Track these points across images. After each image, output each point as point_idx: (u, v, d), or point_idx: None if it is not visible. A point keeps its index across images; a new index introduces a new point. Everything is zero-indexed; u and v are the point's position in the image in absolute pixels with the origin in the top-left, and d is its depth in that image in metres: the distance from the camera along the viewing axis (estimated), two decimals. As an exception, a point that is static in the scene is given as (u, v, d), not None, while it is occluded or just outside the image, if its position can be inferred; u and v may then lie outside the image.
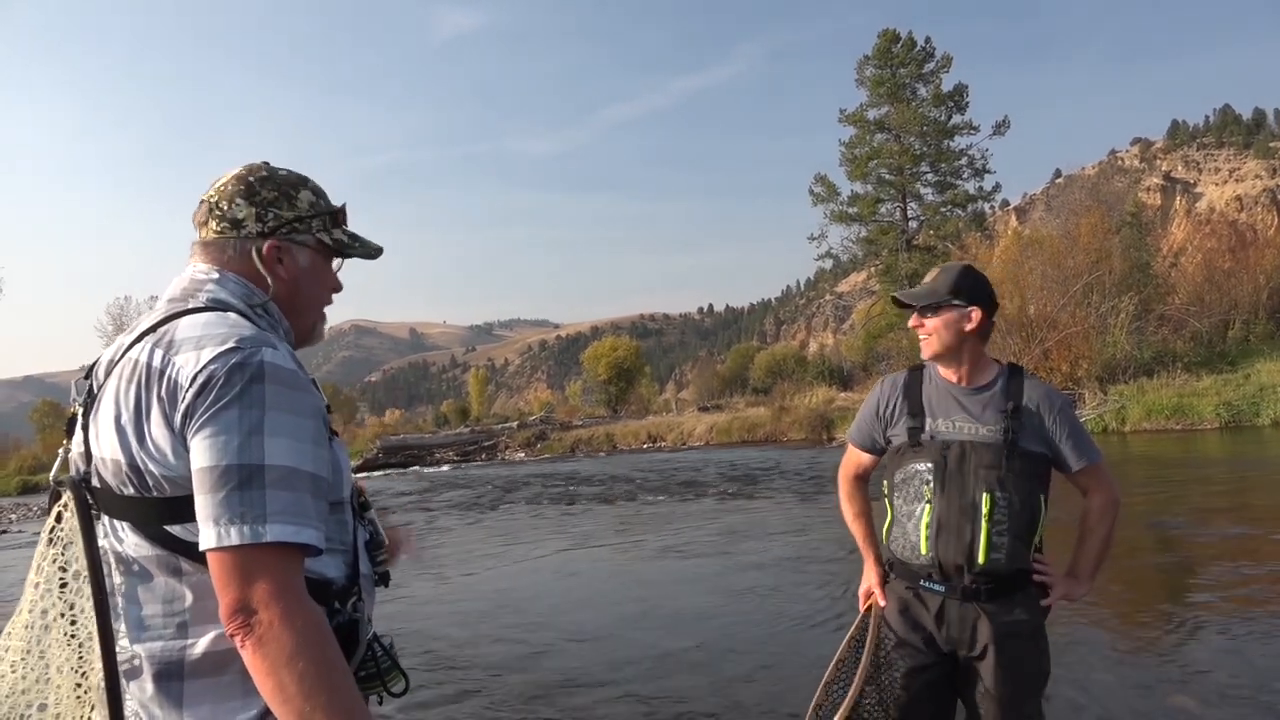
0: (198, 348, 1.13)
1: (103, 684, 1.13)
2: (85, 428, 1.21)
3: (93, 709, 1.15)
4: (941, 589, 2.14)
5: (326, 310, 1.44)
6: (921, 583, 2.18)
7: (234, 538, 1.05)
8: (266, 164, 1.34)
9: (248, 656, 1.05)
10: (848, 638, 2.31)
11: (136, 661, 1.16)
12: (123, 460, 1.15)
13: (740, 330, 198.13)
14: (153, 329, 1.20)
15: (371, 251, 1.43)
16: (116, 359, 1.21)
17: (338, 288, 1.43)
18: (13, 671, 1.17)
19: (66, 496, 1.19)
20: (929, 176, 33.38)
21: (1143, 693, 3.83)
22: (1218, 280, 22.23)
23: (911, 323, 2.25)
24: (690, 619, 5.63)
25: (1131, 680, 3.99)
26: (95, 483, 1.18)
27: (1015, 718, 2.11)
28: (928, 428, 2.18)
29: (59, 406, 54.71)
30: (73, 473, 1.21)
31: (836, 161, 34.15)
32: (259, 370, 1.11)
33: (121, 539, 1.17)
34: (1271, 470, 10.94)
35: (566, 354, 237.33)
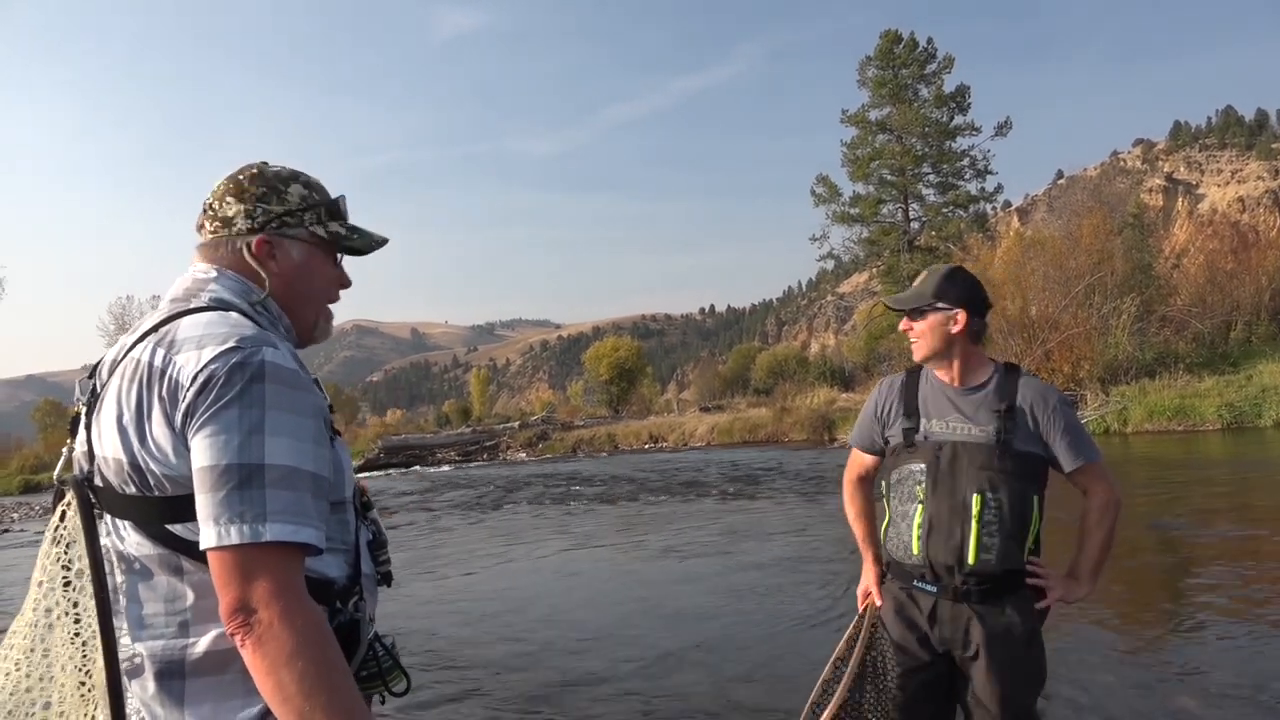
0: (199, 347, 1.13)
1: (104, 682, 1.13)
2: (88, 427, 1.22)
3: (96, 707, 1.16)
4: (933, 589, 2.15)
5: (332, 307, 1.42)
6: (915, 583, 2.19)
7: (234, 537, 1.05)
8: (263, 163, 1.34)
9: (248, 656, 1.05)
10: (845, 637, 2.32)
11: (138, 660, 1.17)
12: (124, 459, 1.15)
13: (742, 331, 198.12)
14: (155, 329, 1.21)
15: (372, 243, 1.40)
16: (119, 359, 1.22)
17: (344, 283, 1.41)
18: (16, 669, 1.18)
19: (70, 495, 1.20)
20: (931, 177, 33.41)
21: (1144, 693, 3.83)
22: (1220, 281, 22.19)
23: (901, 326, 2.28)
24: (691, 619, 5.63)
25: (1132, 680, 3.99)
26: (98, 482, 1.19)
27: (1015, 717, 2.12)
28: (922, 428, 2.19)
29: (60, 406, 54.79)
30: (76, 472, 1.22)
31: (837, 162, 34.28)
32: (259, 369, 1.11)
33: (123, 538, 1.18)
34: (1273, 471, 10.93)
35: (568, 354, 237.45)
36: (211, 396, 1.10)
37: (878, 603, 2.31)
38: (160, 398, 1.13)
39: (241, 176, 1.31)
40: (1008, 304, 19.48)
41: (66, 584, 1.18)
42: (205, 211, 1.32)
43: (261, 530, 1.05)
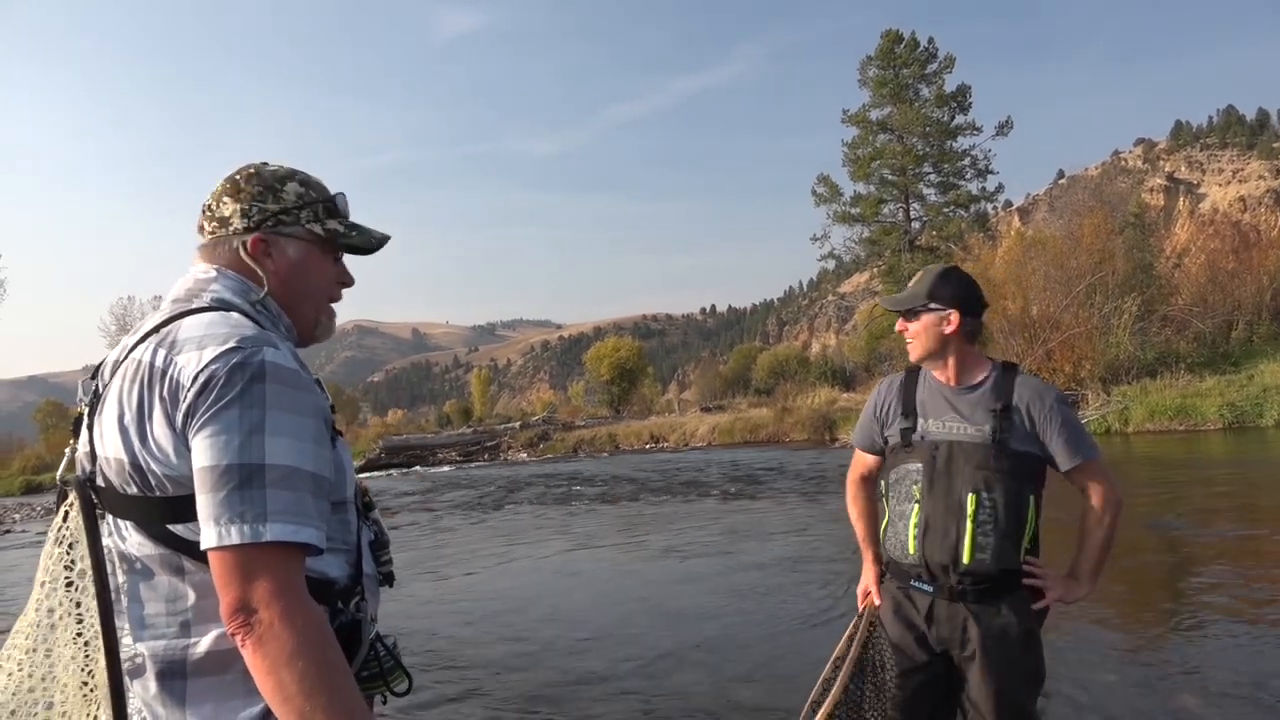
0: (199, 347, 1.14)
1: (106, 682, 1.13)
2: (90, 427, 1.22)
3: (99, 707, 1.16)
4: (930, 589, 2.16)
5: (334, 306, 1.41)
6: (912, 582, 2.20)
7: (234, 537, 1.05)
8: (261, 163, 1.34)
9: (248, 655, 1.05)
10: (845, 636, 2.33)
11: (139, 660, 1.17)
12: (126, 460, 1.15)
13: (743, 331, 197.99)
14: (156, 329, 1.21)
15: (372, 240, 1.38)
16: (121, 359, 1.22)
17: (345, 281, 1.41)
18: (19, 669, 1.18)
19: (73, 496, 1.20)
20: (932, 177, 33.40)
21: (1144, 691, 3.83)
22: (1221, 281, 22.14)
23: (897, 327, 2.29)
24: (692, 618, 5.63)
25: (1133, 679, 3.99)
26: (100, 482, 1.19)
27: (1011, 717, 2.12)
28: (919, 428, 2.20)
29: (62, 406, 54.81)
30: (78, 472, 1.22)
31: (838, 162, 34.30)
32: (260, 370, 1.12)
33: (125, 538, 1.18)
34: (1275, 471, 10.92)
35: (569, 354, 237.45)
36: (212, 397, 1.10)
37: (876, 602, 2.32)
38: (161, 398, 1.13)
39: (238, 176, 1.32)
40: (1009, 304, 19.46)
41: (69, 584, 1.18)
42: (204, 212, 1.33)
43: (262, 530, 1.06)
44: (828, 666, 2.28)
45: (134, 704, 1.18)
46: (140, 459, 1.14)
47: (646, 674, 4.55)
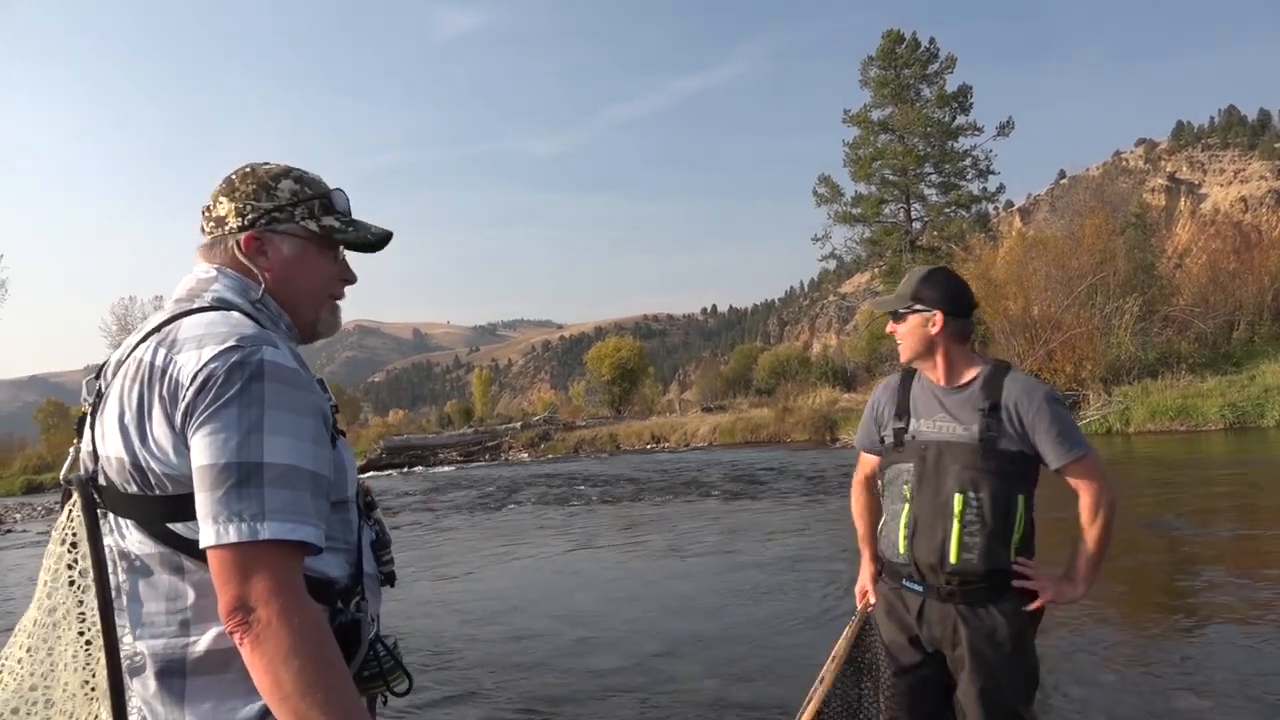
0: (199, 346, 1.14)
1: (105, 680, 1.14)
2: (93, 427, 1.22)
3: (101, 705, 1.16)
4: (921, 589, 2.17)
5: (338, 304, 1.41)
6: (903, 582, 2.21)
7: (232, 535, 1.06)
8: (263, 162, 1.35)
9: (246, 654, 1.05)
10: (843, 636, 2.33)
11: (139, 658, 1.17)
12: (126, 458, 1.16)
13: (744, 331, 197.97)
14: (158, 329, 1.21)
15: (369, 235, 1.37)
16: (124, 359, 1.22)
17: (347, 278, 1.40)
18: (20, 667, 1.19)
19: (75, 495, 1.21)
20: (933, 177, 33.37)
21: (1145, 691, 3.83)
22: (1222, 281, 22.13)
23: (888, 329, 2.31)
24: (692, 618, 5.64)
25: (1134, 679, 3.99)
26: (101, 481, 1.19)
27: (1001, 718, 2.11)
28: (911, 428, 2.21)
29: (63, 406, 54.93)
30: (81, 472, 1.23)
31: (838, 162, 34.30)
32: (259, 368, 1.12)
33: (125, 536, 1.18)
34: (1276, 471, 10.91)
35: (570, 354, 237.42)
36: (211, 395, 1.10)
37: (872, 600, 2.34)
38: (161, 397, 1.14)
39: (234, 176, 1.33)
40: (1010, 304, 19.48)
41: (71, 583, 1.18)
42: (203, 213, 1.34)
43: (259, 528, 1.06)
44: (825, 666, 2.28)
45: (134, 702, 1.18)
46: (140, 458, 1.15)
47: (647, 673, 4.55)
